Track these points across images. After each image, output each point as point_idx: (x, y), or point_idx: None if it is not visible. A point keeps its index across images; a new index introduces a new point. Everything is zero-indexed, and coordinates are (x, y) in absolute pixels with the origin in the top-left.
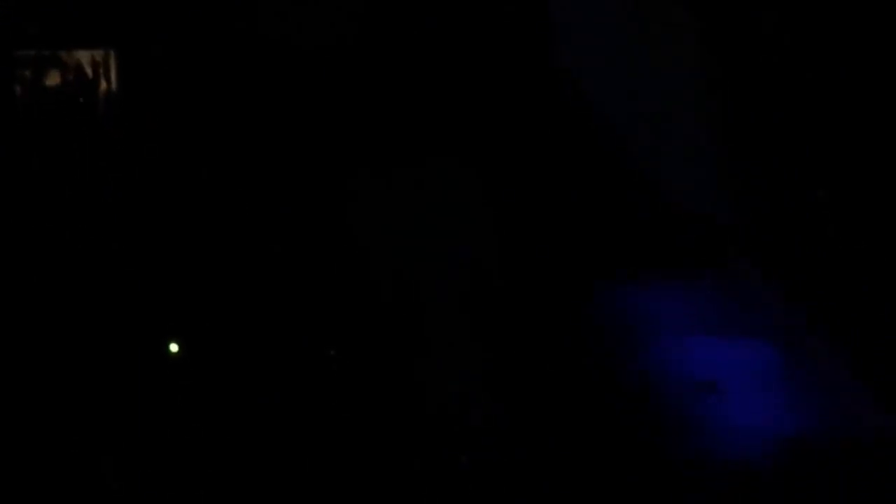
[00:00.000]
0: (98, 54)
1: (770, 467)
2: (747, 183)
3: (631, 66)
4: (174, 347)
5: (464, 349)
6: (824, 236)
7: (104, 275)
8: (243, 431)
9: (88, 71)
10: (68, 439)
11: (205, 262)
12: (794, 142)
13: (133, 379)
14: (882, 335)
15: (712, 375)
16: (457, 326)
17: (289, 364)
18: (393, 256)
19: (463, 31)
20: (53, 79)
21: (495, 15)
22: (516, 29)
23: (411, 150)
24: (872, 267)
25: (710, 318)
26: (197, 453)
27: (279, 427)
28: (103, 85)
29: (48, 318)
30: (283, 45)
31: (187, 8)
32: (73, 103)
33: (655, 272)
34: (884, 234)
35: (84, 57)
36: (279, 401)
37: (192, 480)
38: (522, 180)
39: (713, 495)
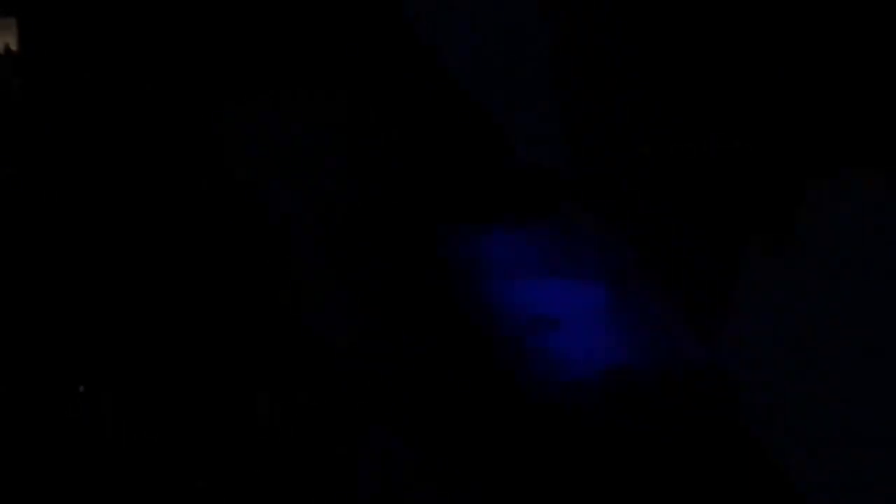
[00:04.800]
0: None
1: (600, 393)
2: (584, 141)
3: (476, 19)
4: None
5: (322, 277)
6: (651, 190)
7: None
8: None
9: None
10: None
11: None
12: (629, 98)
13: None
14: (699, 277)
15: (551, 313)
16: (316, 256)
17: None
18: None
19: None
20: None
21: None
22: None
23: (271, 81)
24: (693, 219)
25: (550, 262)
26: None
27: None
28: None
29: None
30: None
31: None
32: None
33: (500, 220)
34: (707, 189)
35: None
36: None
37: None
38: (372, 123)
39: (550, 417)
